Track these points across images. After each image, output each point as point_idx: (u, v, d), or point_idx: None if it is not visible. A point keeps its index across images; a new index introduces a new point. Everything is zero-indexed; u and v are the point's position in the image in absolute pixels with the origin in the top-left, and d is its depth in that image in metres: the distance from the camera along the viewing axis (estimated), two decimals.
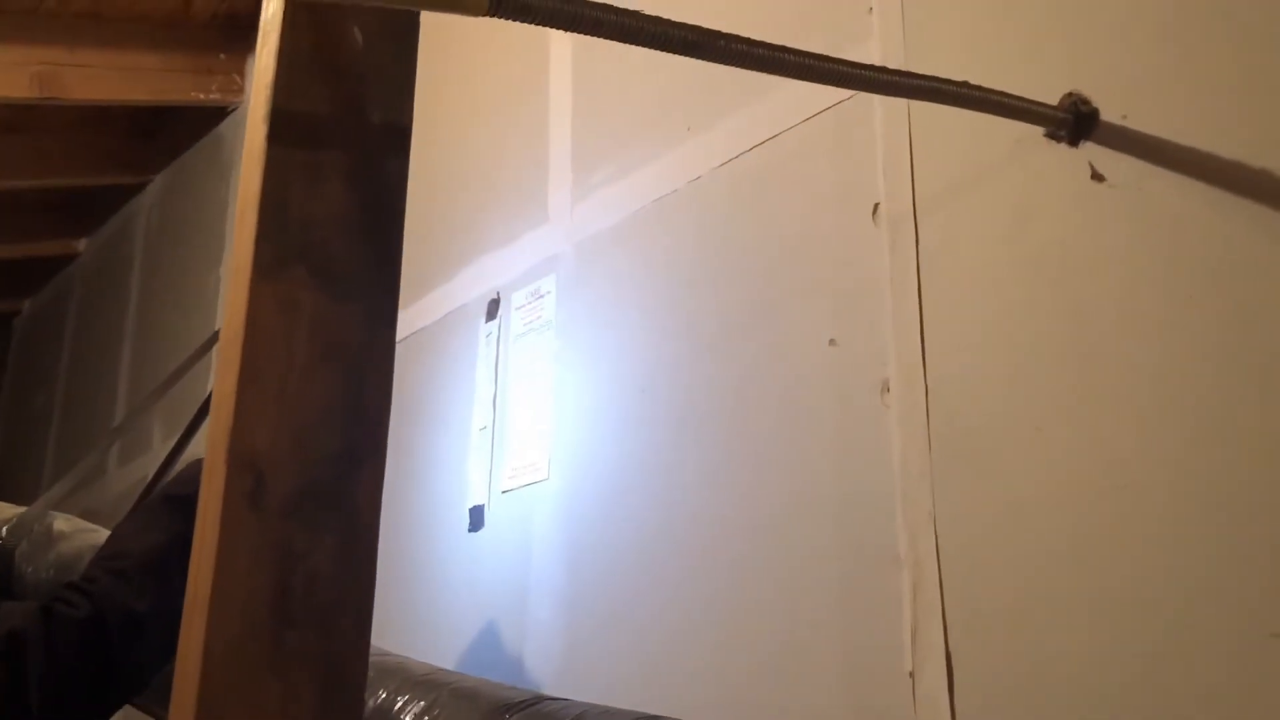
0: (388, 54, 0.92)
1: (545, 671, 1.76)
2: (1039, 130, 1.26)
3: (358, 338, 0.85)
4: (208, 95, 3.39)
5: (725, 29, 0.93)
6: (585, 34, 0.81)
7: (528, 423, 2.02)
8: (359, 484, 0.83)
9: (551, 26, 0.79)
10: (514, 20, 0.77)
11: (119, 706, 1.26)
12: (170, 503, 1.27)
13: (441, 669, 1.46)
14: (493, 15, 0.76)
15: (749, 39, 0.93)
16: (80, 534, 1.97)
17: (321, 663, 0.78)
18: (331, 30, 0.90)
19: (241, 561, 0.77)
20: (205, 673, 0.74)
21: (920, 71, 1.19)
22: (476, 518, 2.07)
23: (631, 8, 0.87)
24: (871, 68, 1.06)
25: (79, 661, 1.19)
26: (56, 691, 1.17)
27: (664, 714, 1.24)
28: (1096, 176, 1.21)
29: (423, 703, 1.28)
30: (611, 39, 0.85)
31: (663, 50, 0.90)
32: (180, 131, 3.82)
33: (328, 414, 0.82)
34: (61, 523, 2.01)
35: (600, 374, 1.88)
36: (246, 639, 0.76)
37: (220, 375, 0.81)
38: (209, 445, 0.81)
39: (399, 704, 1.30)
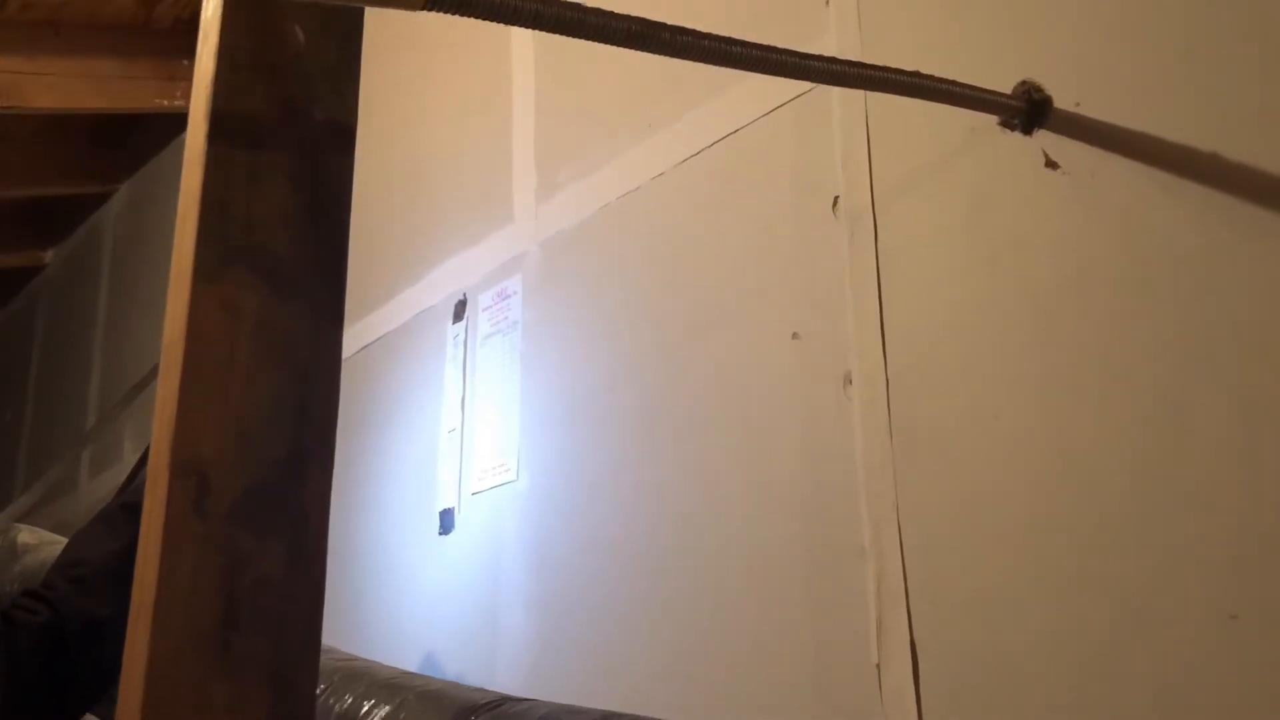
0: (330, 52, 0.91)
1: (515, 673, 1.75)
2: (993, 119, 1.26)
3: (303, 338, 0.84)
4: (172, 102, 3.36)
5: (681, 24, 0.92)
6: (525, 27, 0.81)
7: (496, 424, 2.01)
8: (306, 486, 0.82)
9: (489, 19, 0.79)
10: (451, 14, 0.77)
11: (80, 714, 1.24)
12: (126, 510, 1.26)
13: (409, 672, 1.45)
14: (429, 9, 0.75)
15: (696, 31, 0.92)
16: (45, 546, 1.95)
17: (270, 667, 0.77)
18: (272, 29, 0.89)
19: (186, 567, 0.76)
20: (150, 678, 0.73)
21: (876, 63, 1.18)
22: (447, 520, 2.06)
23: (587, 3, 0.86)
24: (824, 59, 1.05)
25: (39, 667, 1.18)
26: (17, 697, 1.15)
27: (632, 712, 1.24)
28: (1050, 164, 1.21)
29: (389, 707, 1.27)
30: (552, 32, 0.84)
31: (608, 43, 0.89)
32: (145, 139, 3.79)
33: (273, 416, 0.81)
34: (26, 535, 1.99)
35: (567, 373, 1.87)
36: (192, 645, 0.75)
37: (163, 379, 0.80)
38: (152, 450, 0.80)
39: (365, 708, 1.29)
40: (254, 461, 0.80)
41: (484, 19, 0.79)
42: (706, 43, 0.93)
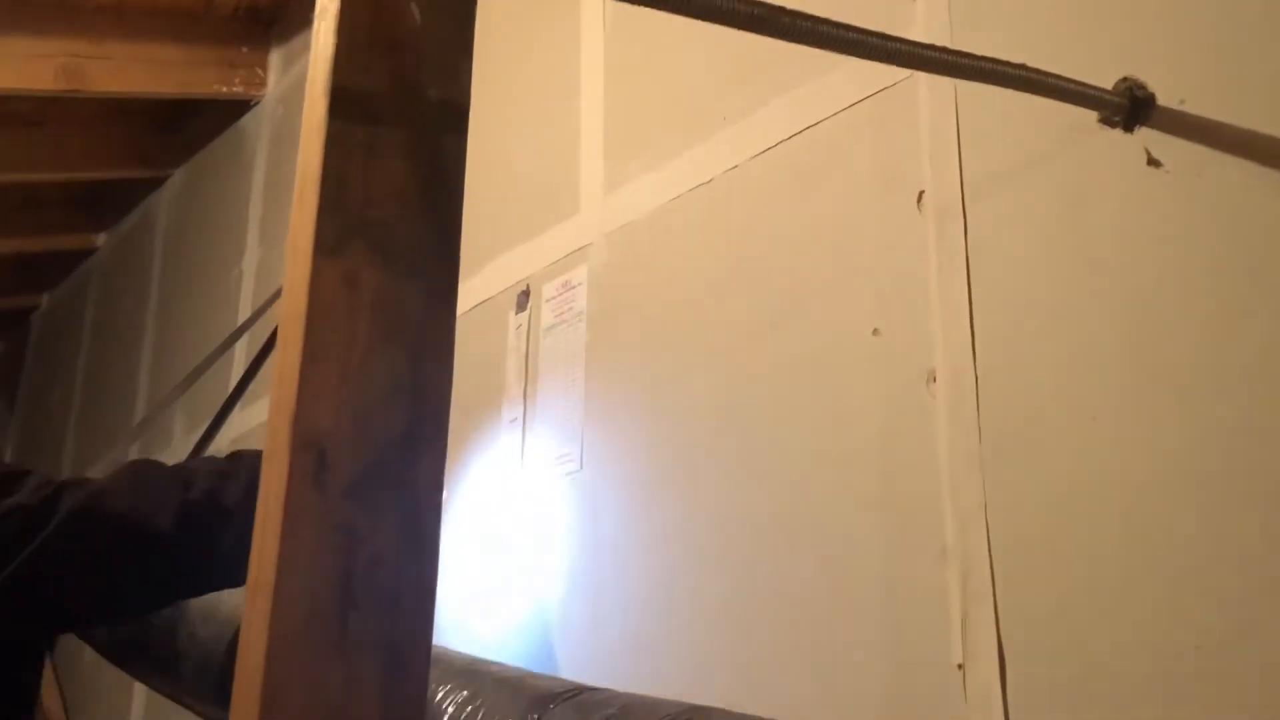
0: (445, 31, 0.91)
1: (581, 665, 1.75)
2: (1092, 116, 1.24)
3: (418, 316, 0.83)
4: (230, 88, 3.39)
5: None
6: (655, 8, 0.80)
7: (559, 415, 2.00)
8: (421, 465, 0.81)
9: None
10: None
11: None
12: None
13: (481, 659, 1.45)
14: None
15: (813, 15, 0.91)
16: None
17: (384, 646, 0.77)
18: (390, 6, 0.89)
19: (305, 542, 0.75)
20: (271, 656, 0.73)
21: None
22: (507, 511, 2.05)
23: None
24: (932, 47, 1.04)
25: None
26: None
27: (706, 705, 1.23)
28: (1153, 162, 1.19)
29: (465, 692, 1.27)
30: (676, 13, 0.83)
31: (725, 24, 0.88)
32: (200, 125, 3.81)
33: (390, 393, 0.81)
34: None
35: (634, 365, 1.86)
36: (311, 622, 0.74)
37: (281, 353, 0.80)
38: (270, 426, 0.79)
39: (441, 693, 1.29)
40: (371, 439, 0.79)
41: None
42: (824, 28, 0.92)
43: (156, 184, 4.19)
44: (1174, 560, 1.10)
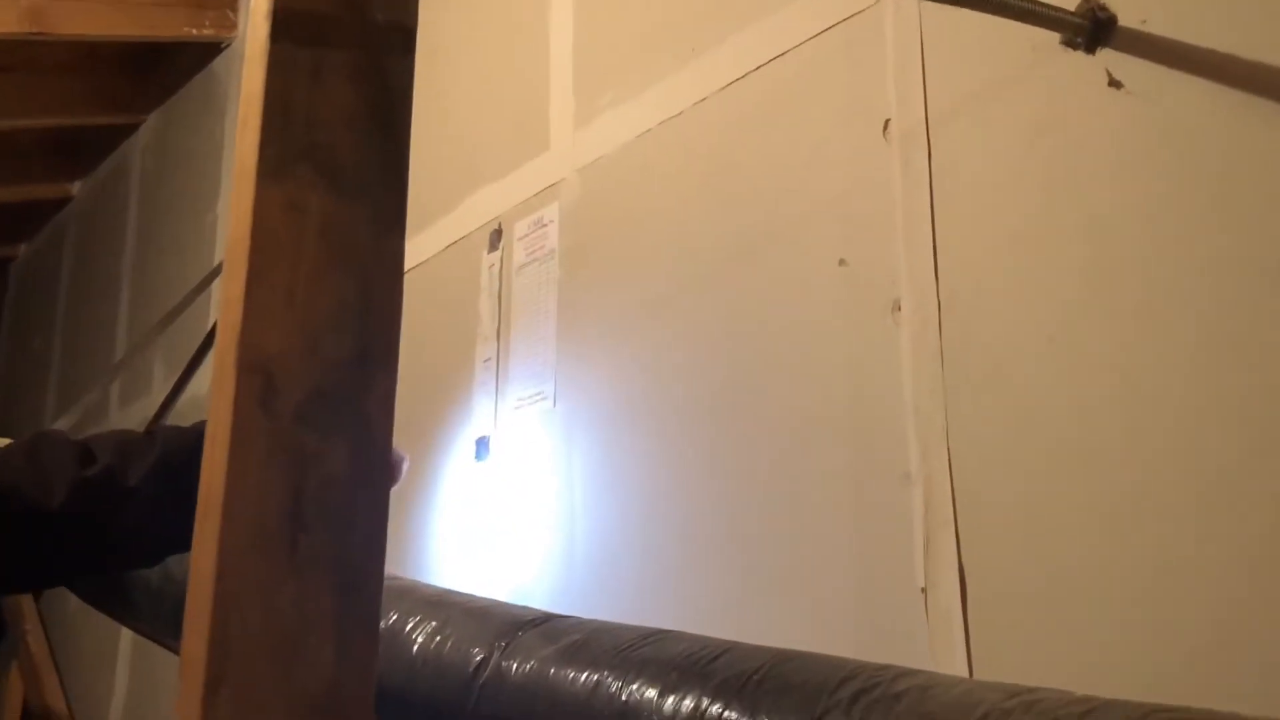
0: None
1: (554, 594, 1.76)
2: (1055, 38, 1.24)
3: (367, 241, 0.83)
4: (201, 30, 3.34)
5: None
6: None
7: (532, 353, 2.00)
8: (371, 389, 0.81)
9: None
10: None
11: None
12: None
13: (452, 590, 1.46)
14: None
15: None
16: None
17: (337, 567, 0.77)
18: None
19: (253, 465, 0.75)
20: (220, 577, 0.73)
21: None
22: (482, 447, 2.06)
23: None
24: None
25: None
26: None
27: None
28: (1114, 84, 1.19)
29: (434, 622, 1.28)
30: None
31: None
32: (173, 69, 3.76)
33: (338, 318, 0.80)
34: None
35: (606, 301, 1.86)
36: (261, 543, 0.75)
37: (227, 277, 0.79)
38: (217, 351, 0.79)
39: (410, 624, 1.30)
40: (319, 362, 0.79)
41: None
42: None
43: (130, 130, 4.15)
44: (1131, 480, 1.11)
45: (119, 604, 1.83)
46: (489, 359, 2.12)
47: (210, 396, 0.79)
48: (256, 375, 0.76)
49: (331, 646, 0.76)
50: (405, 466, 1.43)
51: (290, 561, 0.76)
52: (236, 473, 0.75)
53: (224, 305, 0.79)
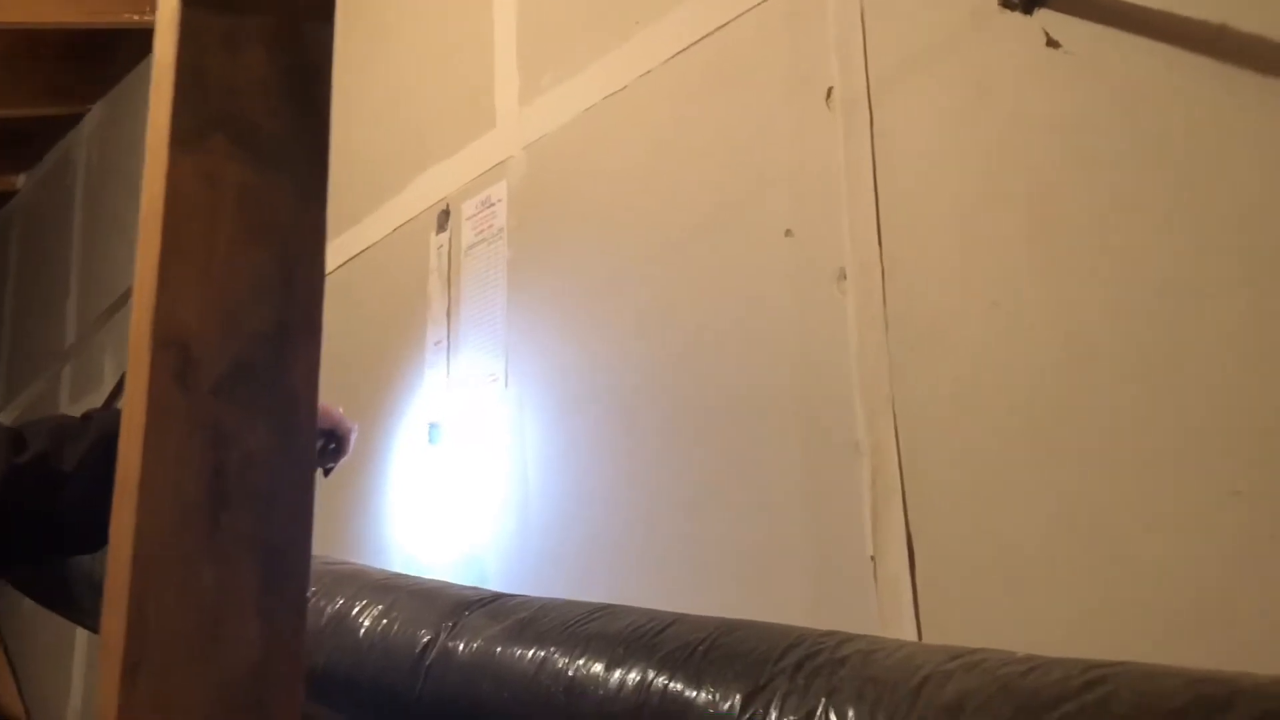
0: None
1: (508, 575, 1.75)
2: (993, 0, 1.23)
3: (286, 211, 0.81)
4: (142, 17, 3.26)
5: None
6: None
7: (483, 335, 1.98)
8: (294, 363, 0.79)
9: None
10: None
11: None
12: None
13: (400, 574, 1.44)
14: None
15: None
16: None
17: (261, 544, 0.75)
18: None
19: (171, 442, 0.73)
20: (138, 558, 0.71)
21: None
22: (435, 431, 2.04)
23: None
24: None
25: None
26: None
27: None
28: (1052, 44, 1.18)
29: (381, 605, 1.26)
30: None
31: None
32: (116, 58, 3.69)
33: (257, 291, 0.78)
34: None
35: (556, 280, 1.84)
36: (180, 522, 0.73)
37: (141, 252, 0.77)
38: (132, 327, 0.77)
39: (357, 608, 1.28)
40: (238, 336, 0.77)
41: None
42: None
43: (75, 120, 4.07)
44: (1079, 443, 1.11)
45: (63, 601, 1.80)
46: (440, 341, 2.10)
47: (127, 374, 0.77)
48: (172, 351, 0.74)
49: (256, 626, 0.74)
50: (354, 438, 1.41)
51: (211, 541, 0.74)
52: (153, 451, 0.73)
53: (138, 280, 0.77)
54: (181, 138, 0.78)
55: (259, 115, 0.81)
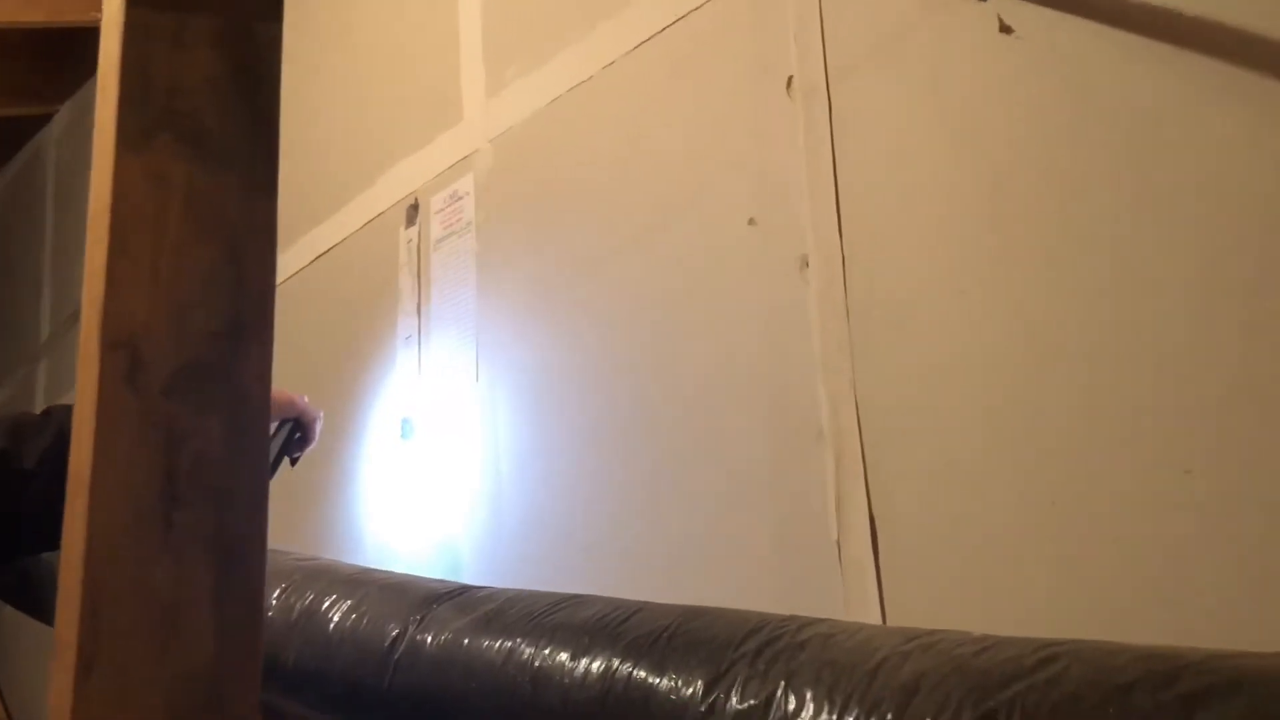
0: None
1: (478, 568, 1.76)
2: None
3: (236, 210, 0.81)
4: None
5: None
6: None
7: (453, 329, 1.98)
8: (245, 361, 0.79)
9: None
10: None
11: None
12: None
13: (370, 568, 1.45)
14: None
15: None
16: None
17: (216, 542, 0.76)
18: None
19: (122, 442, 0.73)
20: (90, 557, 0.71)
21: None
22: (407, 426, 2.04)
23: None
24: None
25: None
26: None
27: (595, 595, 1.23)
28: (1005, 29, 1.19)
29: (351, 600, 1.27)
30: None
31: None
32: (83, 57, 3.66)
33: (207, 290, 0.78)
34: None
35: (525, 273, 1.85)
36: (133, 521, 0.73)
37: (89, 252, 0.77)
38: (83, 326, 0.77)
39: (327, 603, 1.28)
40: (188, 335, 0.77)
41: None
42: None
43: (43, 121, 4.05)
44: (1038, 428, 1.12)
45: (34, 604, 1.80)
46: (410, 336, 2.10)
47: (77, 374, 0.77)
48: (121, 351, 0.74)
49: (211, 623, 0.74)
50: (319, 426, 1.42)
51: (165, 539, 0.74)
52: (104, 451, 0.73)
53: (87, 280, 0.77)
54: (128, 137, 0.78)
55: (207, 114, 0.82)
